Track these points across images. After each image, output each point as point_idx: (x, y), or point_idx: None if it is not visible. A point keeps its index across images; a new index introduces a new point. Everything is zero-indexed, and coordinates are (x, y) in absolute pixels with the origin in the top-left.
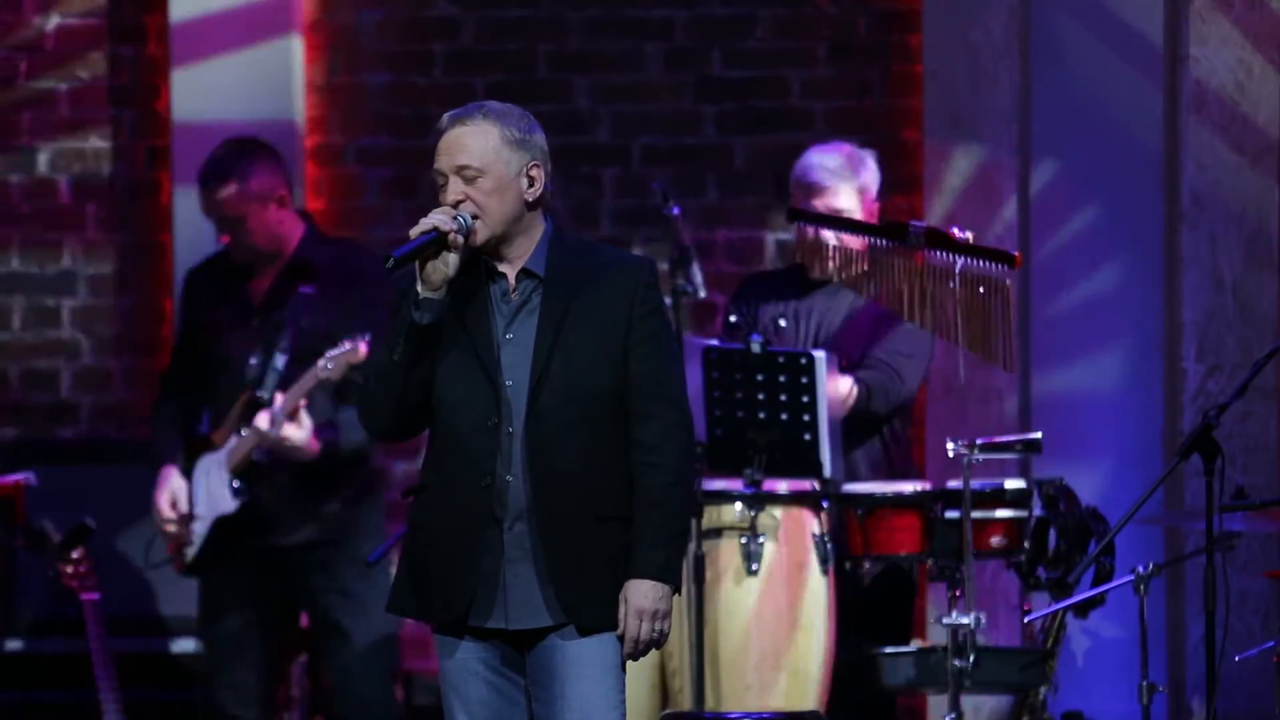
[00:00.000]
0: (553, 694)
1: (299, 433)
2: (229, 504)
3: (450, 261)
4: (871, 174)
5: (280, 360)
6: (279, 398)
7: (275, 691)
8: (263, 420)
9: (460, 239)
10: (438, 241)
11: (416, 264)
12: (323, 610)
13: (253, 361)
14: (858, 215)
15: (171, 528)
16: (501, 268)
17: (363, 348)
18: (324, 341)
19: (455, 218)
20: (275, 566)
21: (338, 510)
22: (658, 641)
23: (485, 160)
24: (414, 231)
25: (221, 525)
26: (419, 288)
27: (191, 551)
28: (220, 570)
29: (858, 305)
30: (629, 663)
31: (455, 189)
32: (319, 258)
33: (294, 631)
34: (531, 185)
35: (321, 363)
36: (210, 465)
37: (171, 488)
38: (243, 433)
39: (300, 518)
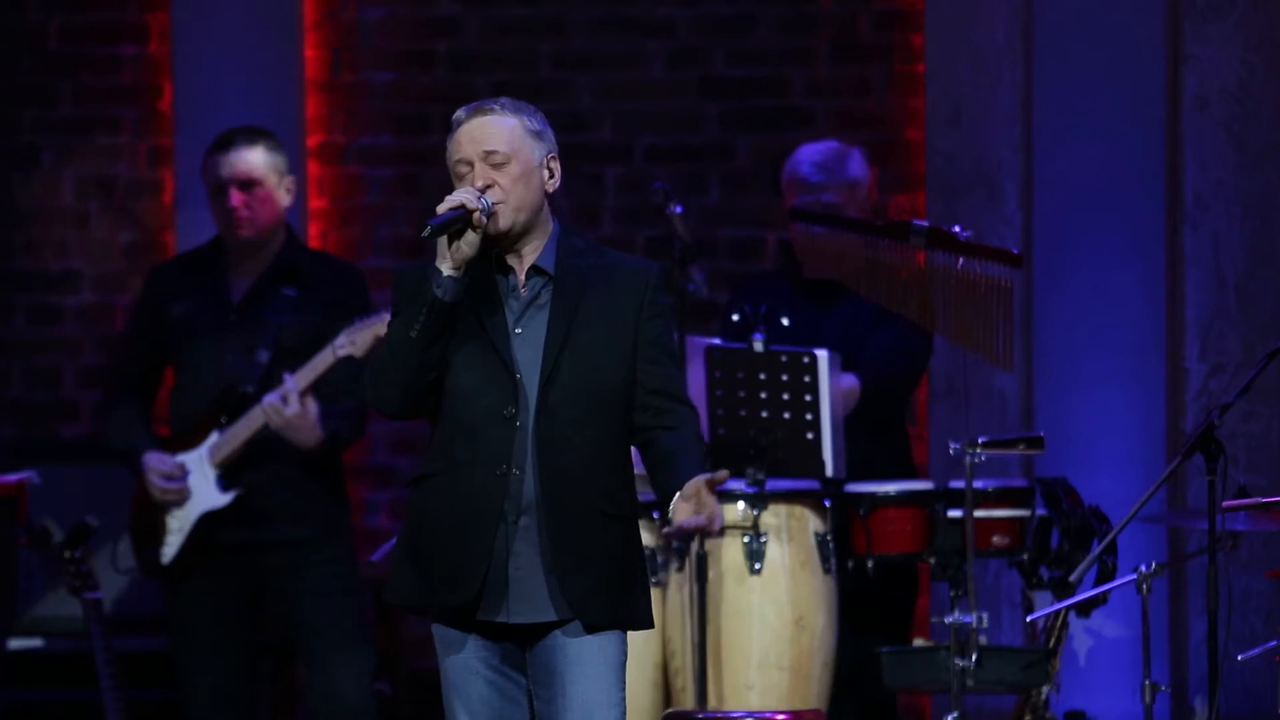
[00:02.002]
0: (553, 692)
1: (313, 410)
2: (218, 498)
3: (472, 241)
4: (861, 169)
5: (263, 356)
6: (289, 378)
7: (254, 691)
8: (273, 398)
9: (484, 219)
10: (463, 219)
11: (443, 240)
12: (300, 611)
13: (230, 358)
14: (850, 210)
15: (173, 485)
16: (512, 263)
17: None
18: (305, 343)
19: (479, 198)
20: (249, 564)
21: (319, 508)
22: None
23: (513, 146)
24: (441, 207)
25: (204, 523)
26: (440, 265)
27: (170, 552)
28: (194, 572)
29: (857, 303)
30: (630, 661)
31: (483, 174)
32: (301, 263)
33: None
34: (551, 176)
35: (340, 339)
36: (188, 463)
37: (163, 458)
38: (225, 426)
39: (284, 515)
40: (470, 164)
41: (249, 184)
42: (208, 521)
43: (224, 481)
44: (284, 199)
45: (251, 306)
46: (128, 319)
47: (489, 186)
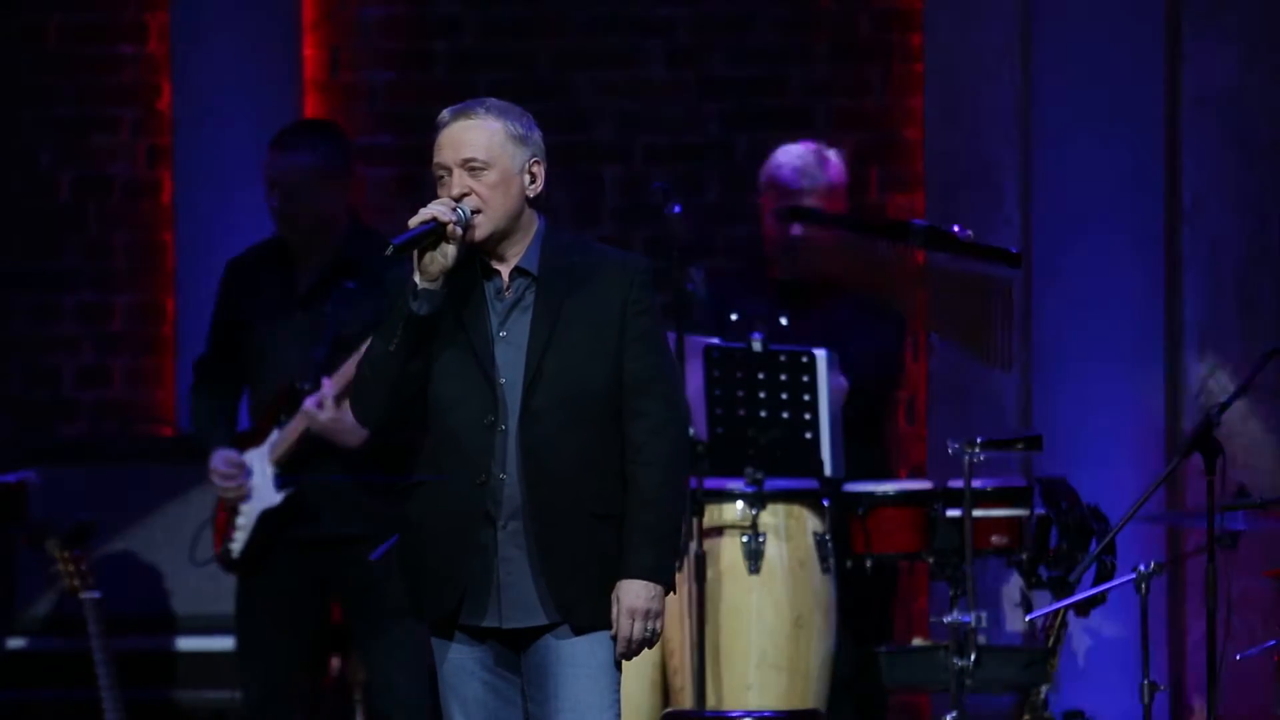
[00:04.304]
0: (547, 693)
1: (349, 415)
2: (274, 497)
3: (448, 253)
4: (838, 172)
5: (319, 353)
6: (326, 382)
7: (308, 686)
8: (310, 404)
9: (459, 230)
10: (436, 232)
11: (415, 254)
12: (362, 606)
13: (292, 354)
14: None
15: (231, 484)
16: (496, 265)
17: None
18: (359, 337)
19: (454, 209)
20: (309, 559)
21: (369, 503)
22: (650, 641)
23: (491, 154)
24: (413, 221)
25: (266, 519)
26: (416, 278)
27: (237, 547)
28: (260, 567)
29: (831, 304)
30: (627, 661)
31: (460, 182)
32: (364, 253)
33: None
34: (533, 181)
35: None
36: (253, 460)
37: (225, 454)
38: (284, 424)
39: (335, 511)
40: (449, 169)
41: (295, 190)
42: (268, 518)
43: (279, 480)
44: (340, 192)
45: (314, 300)
46: (214, 308)
47: (464, 195)
